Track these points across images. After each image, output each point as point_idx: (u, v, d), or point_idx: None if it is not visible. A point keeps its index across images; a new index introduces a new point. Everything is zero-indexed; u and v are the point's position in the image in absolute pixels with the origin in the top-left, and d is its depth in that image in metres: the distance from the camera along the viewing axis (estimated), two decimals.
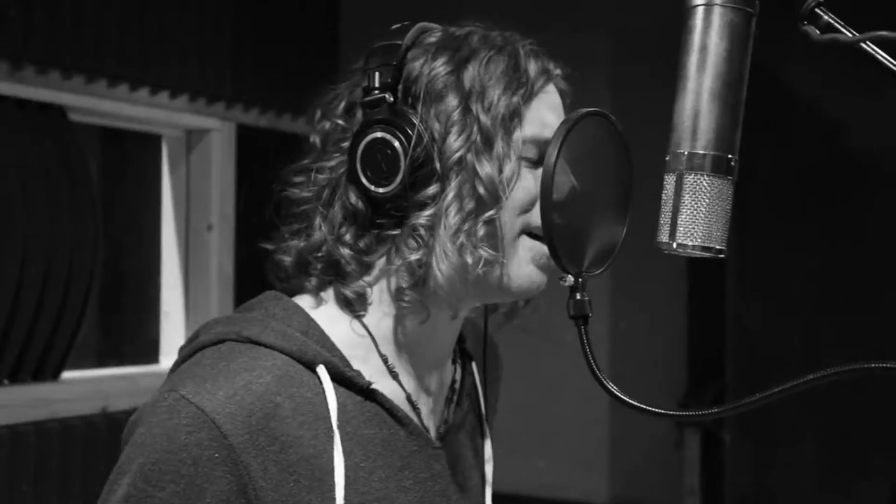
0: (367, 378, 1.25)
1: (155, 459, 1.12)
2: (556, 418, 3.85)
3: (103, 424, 3.18)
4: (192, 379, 1.17)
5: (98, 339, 3.60)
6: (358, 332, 1.28)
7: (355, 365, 1.25)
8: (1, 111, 2.98)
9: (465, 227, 1.20)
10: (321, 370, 1.22)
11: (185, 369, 1.21)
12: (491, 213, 1.21)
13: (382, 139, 1.22)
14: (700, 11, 0.98)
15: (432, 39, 1.27)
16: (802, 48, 1.04)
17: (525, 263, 1.26)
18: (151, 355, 3.74)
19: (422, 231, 1.21)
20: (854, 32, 0.96)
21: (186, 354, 1.24)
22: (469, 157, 1.21)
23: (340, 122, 1.28)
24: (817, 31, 0.98)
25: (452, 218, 1.20)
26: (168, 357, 3.72)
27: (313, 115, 1.33)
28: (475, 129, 1.21)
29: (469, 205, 1.20)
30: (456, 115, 1.22)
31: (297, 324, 1.24)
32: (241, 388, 1.15)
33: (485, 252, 1.21)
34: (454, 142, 1.21)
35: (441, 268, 1.21)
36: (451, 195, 1.20)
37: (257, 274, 1.33)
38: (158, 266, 3.77)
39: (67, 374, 3.23)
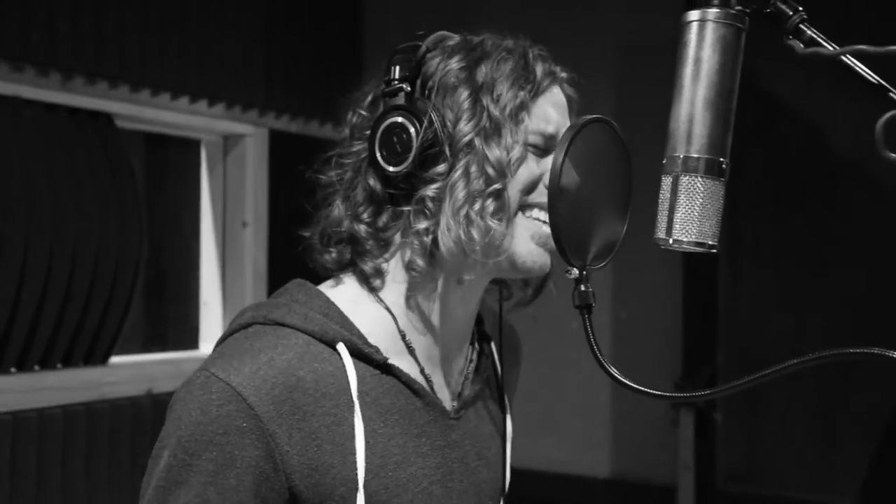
0: (385, 353, 1.26)
1: (191, 431, 1.14)
2: (562, 399, 3.85)
3: (149, 405, 3.19)
4: (221, 358, 1.19)
5: (143, 326, 3.61)
6: (378, 311, 1.30)
7: (374, 341, 1.27)
8: (54, 119, 3.00)
9: (472, 201, 1.22)
10: (341, 347, 1.23)
11: (216, 352, 1.23)
12: (497, 185, 1.23)
13: (398, 123, 1.24)
14: (694, 27, 0.99)
15: (450, 43, 1.31)
16: (788, 61, 1.04)
17: (527, 241, 1.28)
18: (192, 341, 3.75)
19: (429, 203, 1.24)
20: (835, 46, 0.96)
21: (221, 339, 1.27)
22: (478, 140, 1.23)
23: (365, 112, 1.32)
24: (801, 45, 0.98)
25: (459, 192, 1.22)
26: (207, 343, 3.74)
27: (344, 112, 1.36)
28: (485, 116, 1.24)
29: (476, 183, 1.22)
30: (466, 105, 1.24)
31: (318, 307, 1.26)
32: (264, 363, 1.18)
33: (492, 223, 1.22)
34: (464, 126, 1.24)
35: (445, 239, 1.23)
36: (458, 172, 1.23)
37: (289, 267, 1.35)
38: (198, 260, 3.78)
39: (115, 359, 3.25)
